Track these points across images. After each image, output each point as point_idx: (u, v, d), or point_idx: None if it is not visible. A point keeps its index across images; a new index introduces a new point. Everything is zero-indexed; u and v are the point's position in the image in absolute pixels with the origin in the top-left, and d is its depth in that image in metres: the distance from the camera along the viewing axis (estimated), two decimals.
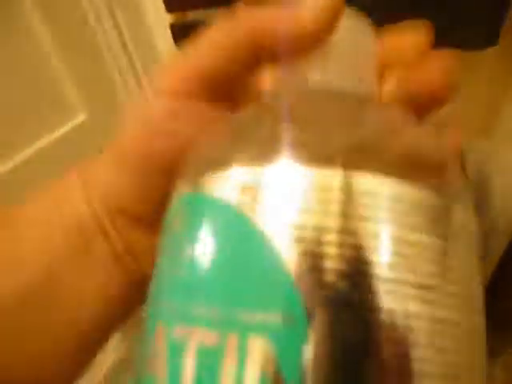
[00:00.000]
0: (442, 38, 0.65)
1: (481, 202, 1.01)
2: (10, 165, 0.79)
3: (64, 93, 0.92)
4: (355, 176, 0.10)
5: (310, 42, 0.14)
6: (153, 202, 0.16)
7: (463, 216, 0.11)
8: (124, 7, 0.99)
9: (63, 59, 0.89)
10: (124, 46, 1.03)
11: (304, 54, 0.14)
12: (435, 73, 0.15)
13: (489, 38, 0.72)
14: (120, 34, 1.01)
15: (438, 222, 0.10)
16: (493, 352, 0.99)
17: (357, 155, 0.10)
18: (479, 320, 0.12)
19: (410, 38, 0.16)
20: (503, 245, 0.98)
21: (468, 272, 0.11)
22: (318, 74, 0.14)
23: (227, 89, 0.16)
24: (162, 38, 1.07)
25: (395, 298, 0.09)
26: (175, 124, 0.16)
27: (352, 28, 0.15)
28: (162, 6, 0.96)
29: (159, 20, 1.03)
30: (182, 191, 0.13)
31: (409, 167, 0.11)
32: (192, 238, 0.11)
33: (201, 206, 0.11)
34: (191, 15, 0.97)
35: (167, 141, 0.15)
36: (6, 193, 0.76)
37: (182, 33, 0.97)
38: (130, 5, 1.01)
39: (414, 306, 0.09)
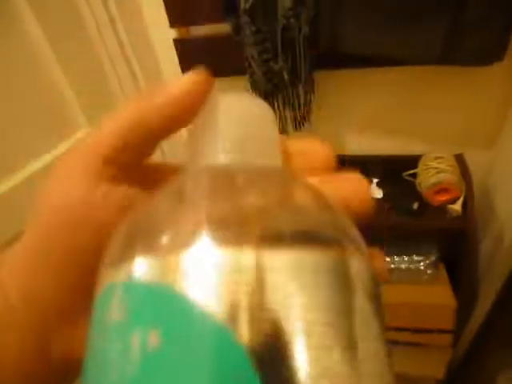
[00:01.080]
0: (450, 54, 0.64)
1: (485, 214, 1.00)
2: (10, 184, 0.78)
3: (65, 108, 0.91)
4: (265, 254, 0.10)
5: (183, 113, 0.16)
6: (75, 293, 0.15)
7: (359, 266, 0.12)
8: (127, 22, 0.99)
9: (64, 73, 0.89)
10: (127, 60, 1.03)
11: (183, 123, 0.16)
12: (351, 192, 0.16)
13: (495, 54, 0.72)
14: (122, 49, 1.01)
15: (339, 282, 0.11)
16: (502, 365, 0.98)
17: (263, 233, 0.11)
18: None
19: (316, 147, 0.17)
20: (511, 257, 0.97)
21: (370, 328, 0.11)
22: (224, 153, 0.15)
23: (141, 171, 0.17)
24: (165, 53, 1.07)
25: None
26: (96, 212, 0.15)
27: (250, 109, 0.16)
28: (165, 22, 0.96)
29: (162, 35, 1.02)
30: (109, 281, 0.12)
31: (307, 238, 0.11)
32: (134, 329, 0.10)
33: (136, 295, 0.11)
34: (194, 31, 0.97)
35: (90, 232, 0.15)
36: (7, 212, 0.75)
37: (185, 48, 0.97)
38: (133, 20, 1.01)
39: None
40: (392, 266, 0.92)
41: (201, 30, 0.97)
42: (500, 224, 0.98)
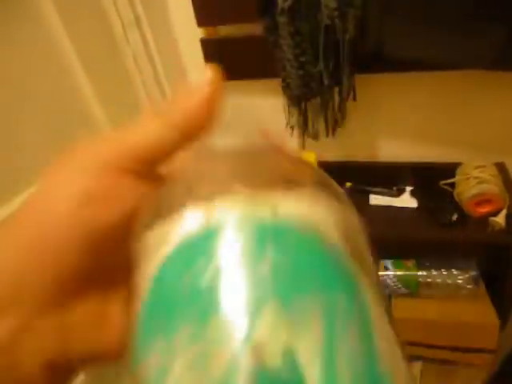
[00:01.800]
0: (503, 60, 0.59)
1: None
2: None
3: (88, 111, 0.87)
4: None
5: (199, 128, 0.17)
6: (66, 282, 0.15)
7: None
8: (153, 21, 0.94)
9: (87, 75, 0.85)
10: (151, 60, 0.98)
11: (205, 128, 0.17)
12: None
13: None
14: (147, 48, 0.97)
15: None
16: None
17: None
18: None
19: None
20: None
21: None
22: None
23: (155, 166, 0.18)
24: (191, 53, 1.02)
25: None
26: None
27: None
28: (192, 21, 0.92)
29: (189, 35, 0.98)
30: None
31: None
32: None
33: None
34: (222, 30, 0.93)
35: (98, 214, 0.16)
36: None
37: (212, 48, 0.93)
38: (158, 19, 0.97)
39: None
40: (429, 279, 0.88)
41: (230, 30, 0.93)
42: None
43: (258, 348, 0.09)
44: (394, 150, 1.02)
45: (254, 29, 0.84)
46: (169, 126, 0.17)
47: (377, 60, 0.73)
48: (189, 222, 0.12)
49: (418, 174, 0.98)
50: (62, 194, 0.15)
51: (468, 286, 0.86)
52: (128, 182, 0.16)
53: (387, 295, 0.91)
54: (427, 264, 0.89)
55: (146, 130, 0.16)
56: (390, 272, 0.89)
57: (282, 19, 0.73)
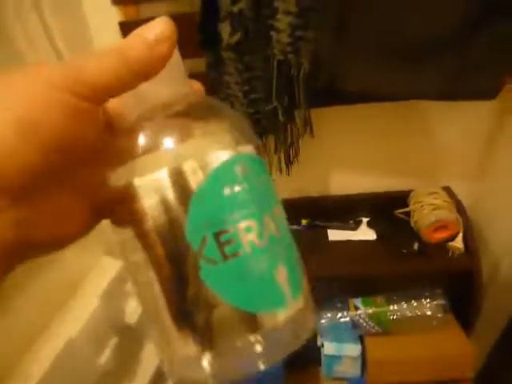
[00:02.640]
0: (450, 92, 0.58)
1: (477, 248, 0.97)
2: None
3: None
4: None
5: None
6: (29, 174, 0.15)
7: None
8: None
9: None
10: (57, 54, 0.74)
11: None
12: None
13: (493, 93, 0.68)
14: (48, 33, 0.72)
15: None
16: None
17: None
18: None
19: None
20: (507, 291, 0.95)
21: None
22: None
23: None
24: (107, 42, 0.77)
25: None
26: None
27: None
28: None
29: (102, 18, 0.77)
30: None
31: None
32: None
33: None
34: (144, 11, 0.74)
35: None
36: None
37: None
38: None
39: None
40: (399, 313, 0.85)
41: (155, 10, 0.75)
42: (493, 261, 0.96)
43: None
44: (345, 182, 1.00)
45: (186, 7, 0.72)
46: (124, 62, 0.17)
47: (329, 93, 0.70)
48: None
49: (372, 205, 0.97)
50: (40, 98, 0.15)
51: (438, 315, 0.84)
52: (87, 107, 0.16)
53: (359, 337, 0.87)
54: (395, 298, 0.86)
55: (102, 62, 0.17)
56: (361, 311, 0.84)
57: (227, 55, 0.67)
